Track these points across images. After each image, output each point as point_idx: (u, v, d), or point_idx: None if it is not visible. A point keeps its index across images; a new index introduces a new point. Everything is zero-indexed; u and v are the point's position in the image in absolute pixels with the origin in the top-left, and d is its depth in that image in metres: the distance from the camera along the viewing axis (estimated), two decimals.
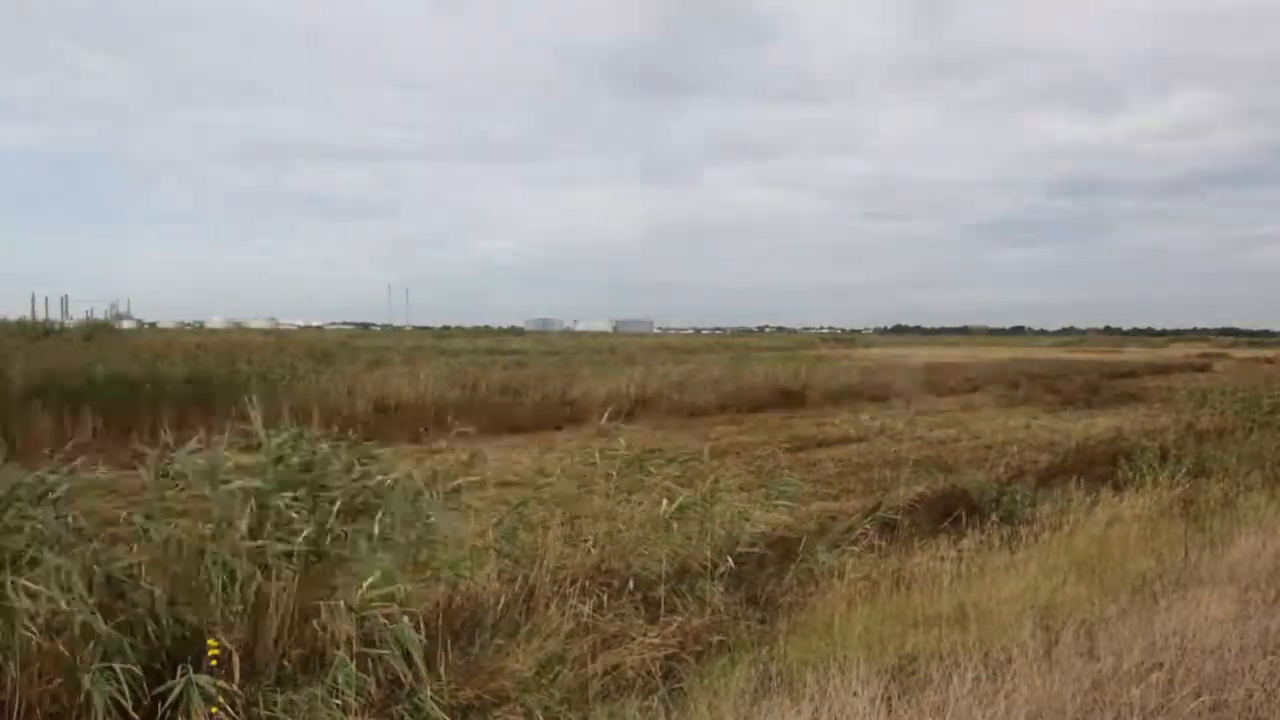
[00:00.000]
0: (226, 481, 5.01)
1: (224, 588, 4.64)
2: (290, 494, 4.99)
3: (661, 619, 6.19)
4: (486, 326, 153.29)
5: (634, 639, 5.83)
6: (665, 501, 7.09)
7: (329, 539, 5.00)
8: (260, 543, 4.79)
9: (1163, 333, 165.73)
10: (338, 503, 5.03)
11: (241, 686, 4.37)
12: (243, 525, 4.83)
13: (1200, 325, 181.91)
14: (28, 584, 4.09)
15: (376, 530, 5.06)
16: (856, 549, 8.15)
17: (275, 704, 4.42)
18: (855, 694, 4.12)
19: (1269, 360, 55.87)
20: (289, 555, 4.79)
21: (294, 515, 4.90)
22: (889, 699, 4.11)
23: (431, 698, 4.67)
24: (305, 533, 4.83)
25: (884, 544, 8.40)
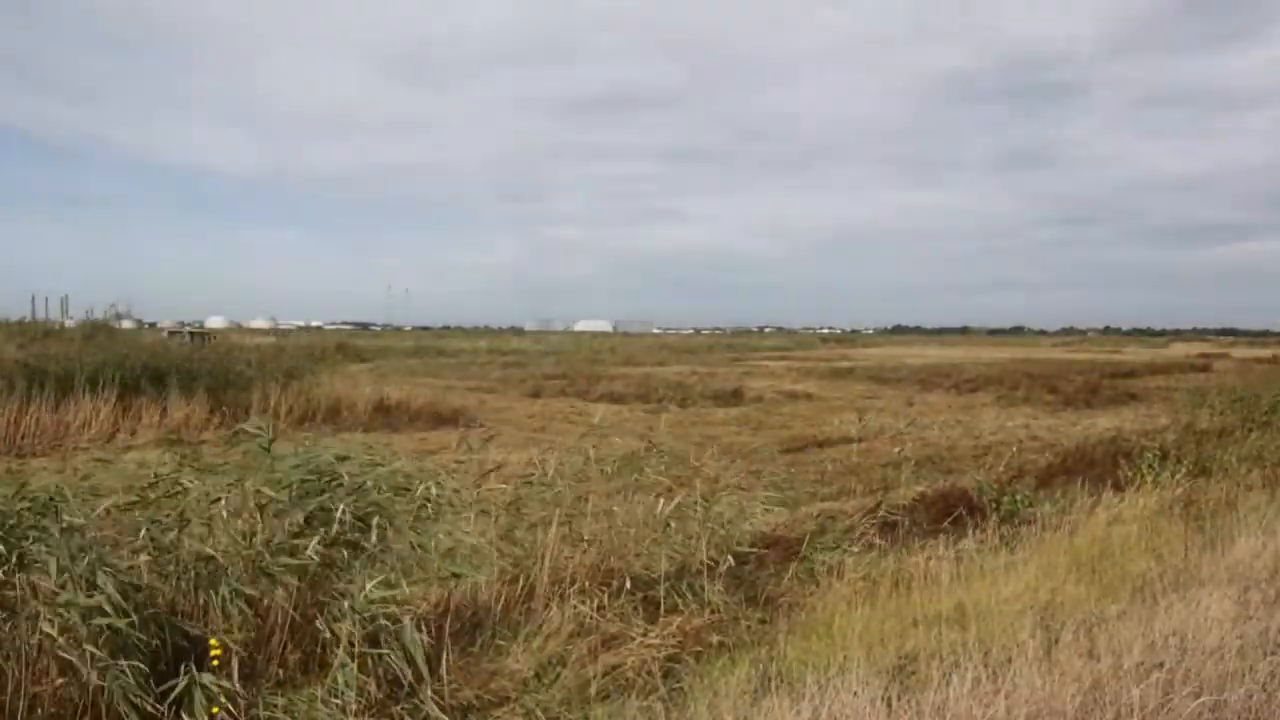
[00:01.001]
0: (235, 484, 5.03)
1: (228, 593, 4.65)
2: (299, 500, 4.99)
3: (661, 619, 6.19)
4: (486, 326, 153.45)
5: (634, 639, 5.84)
6: (664, 501, 7.09)
7: (333, 544, 4.99)
8: (266, 551, 4.79)
9: (1162, 333, 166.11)
10: (340, 508, 5.02)
11: (242, 687, 4.37)
12: (242, 529, 4.83)
13: (1200, 325, 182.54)
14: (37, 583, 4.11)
15: (375, 537, 5.06)
16: (856, 549, 8.15)
17: (275, 705, 4.42)
18: (855, 694, 4.12)
19: (1269, 360, 55.80)
20: (295, 564, 4.79)
21: (301, 524, 4.91)
22: (889, 699, 4.11)
23: (432, 698, 4.67)
24: (311, 544, 4.82)
25: (884, 544, 8.40)
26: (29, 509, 4.40)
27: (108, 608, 4.12)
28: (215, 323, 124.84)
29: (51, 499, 4.45)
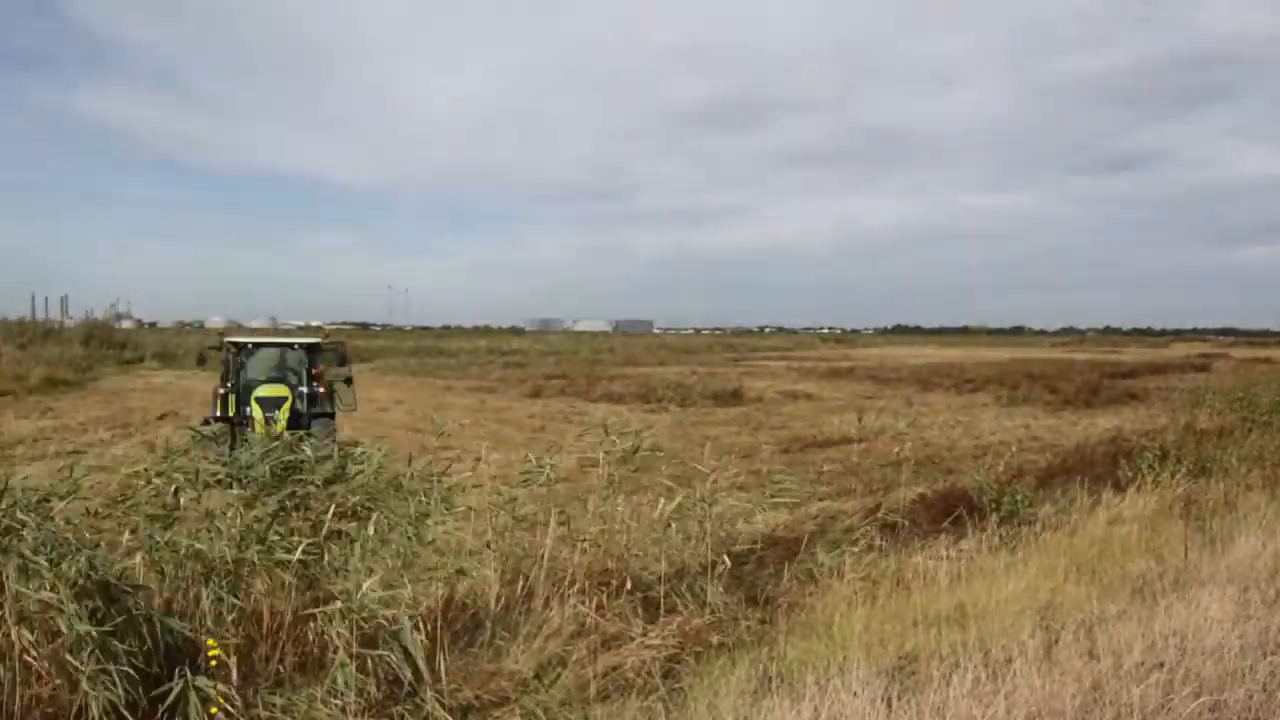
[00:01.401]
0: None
1: (221, 592, 4.64)
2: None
3: (661, 619, 6.19)
4: (486, 326, 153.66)
5: (634, 639, 5.83)
6: (664, 502, 7.08)
7: (327, 542, 4.99)
8: (257, 548, 4.78)
9: (1162, 333, 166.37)
10: (330, 508, 5.01)
11: (239, 688, 4.36)
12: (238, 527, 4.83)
13: (1200, 325, 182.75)
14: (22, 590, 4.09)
15: (372, 531, 5.06)
16: (856, 549, 8.14)
17: (274, 705, 4.41)
18: (855, 694, 4.12)
19: (1269, 360, 55.84)
20: (286, 561, 4.78)
21: (293, 519, 4.90)
22: (889, 699, 4.11)
23: (432, 698, 4.66)
24: (303, 544, 4.81)
25: (884, 544, 8.39)
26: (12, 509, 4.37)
27: (81, 615, 4.08)
28: (215, 322, 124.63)
29: (44, 499, 4.43)
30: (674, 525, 7.01)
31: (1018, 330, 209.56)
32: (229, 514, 4.97)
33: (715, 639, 6.06)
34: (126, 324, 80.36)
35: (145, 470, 5.21)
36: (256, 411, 14.22)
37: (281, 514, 4.94)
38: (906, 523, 9.44)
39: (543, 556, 6.45)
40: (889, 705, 4.06)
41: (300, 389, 14.96)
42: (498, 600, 6.15)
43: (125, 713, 4.08)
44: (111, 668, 4.07)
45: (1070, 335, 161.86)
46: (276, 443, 5.45)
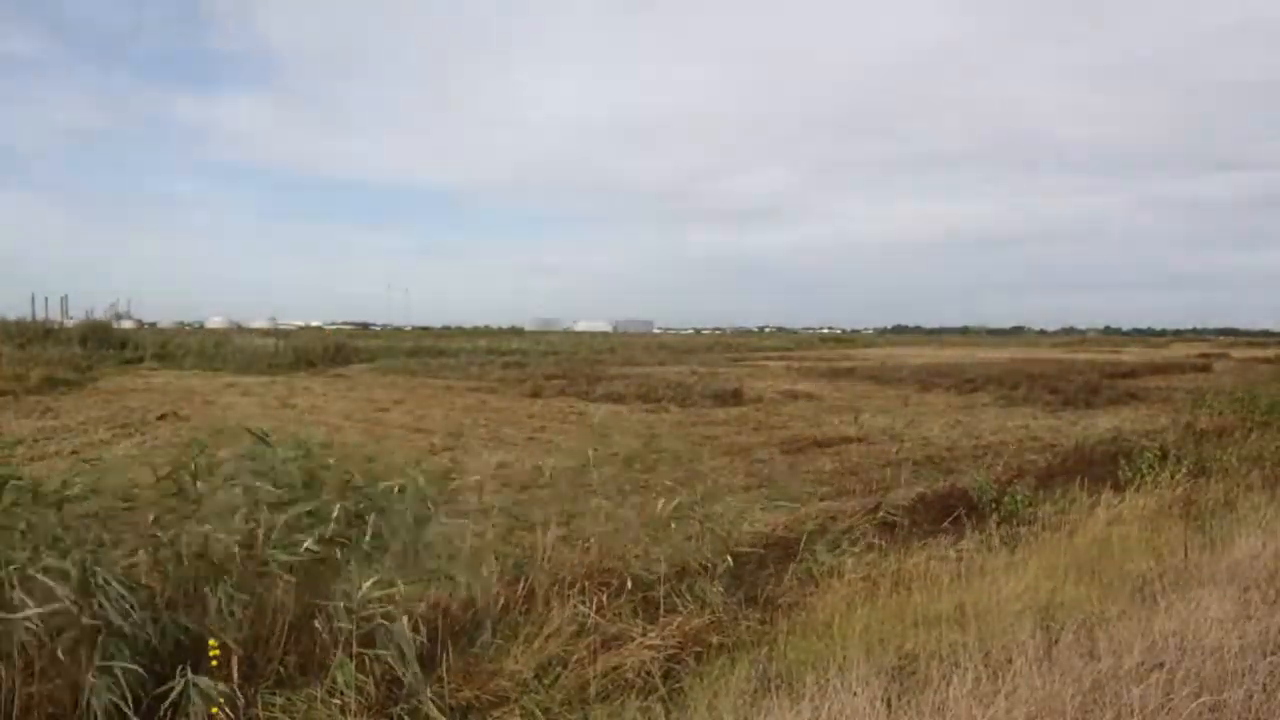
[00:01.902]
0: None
1: (225, 592, 4.64)
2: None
3: (661, 619, 6.19)
4: (486, 326, 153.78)
5: (634, 640, 5.83)
6: (664, 502, 7.09)
7: (330, 543, 4.99)
8: (263, 549, 4.79)
9: (1162, 333, 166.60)
10: (336, 509, 5.00)
11: (241, 687, 4.37)
12: (243, 527, 4.83)
13: (1200, 325, 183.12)
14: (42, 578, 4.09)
15: (369, 534, 5.06)
16: (856, 549, 8.15)
17: (275, 704, 4.41)
18: (855, 694, 4.12)
19: (1269, 360, 55.87)
20: (290, 559, 4.79)
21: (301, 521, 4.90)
22: (889, 699, 4.11)
23: (431, 698, 4.67)
24: (306, 543, 4.81)
25: (884, 544, 8.39)
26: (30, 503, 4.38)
27: (108, 609, 4.10)
28: (216, 323, 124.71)
29: (63, 497, 4.44)
30: (674, 525, 7.02)
31: (1017, 330, 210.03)
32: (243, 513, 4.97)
33: (715, 639, 6.07)
34: (126, 324, 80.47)
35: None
36: None
37: (310, 517, 4.94)
38: (906, 523, 9.44)
39: (543, 557, 6.45)
40: (889, 705, 4.06)
41: None
42: (498, 601, 6.15)
43: (129, 710, 4.08)
44: (116, 666, 4.08)
45: (1070, 335, 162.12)
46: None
